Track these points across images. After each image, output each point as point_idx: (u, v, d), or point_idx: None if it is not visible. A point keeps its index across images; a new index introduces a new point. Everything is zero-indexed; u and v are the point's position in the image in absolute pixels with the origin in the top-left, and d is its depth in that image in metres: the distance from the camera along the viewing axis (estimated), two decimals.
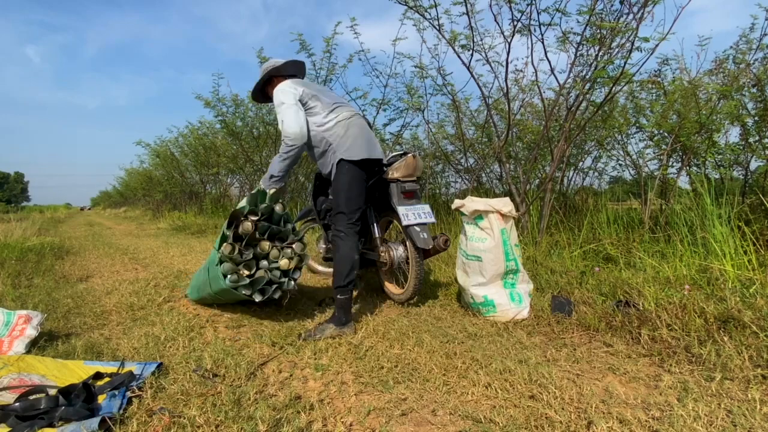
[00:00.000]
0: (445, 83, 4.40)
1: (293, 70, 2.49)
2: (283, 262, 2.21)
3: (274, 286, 2.17)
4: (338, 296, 2.09)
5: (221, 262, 2.10)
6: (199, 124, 9.21)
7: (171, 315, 2.40)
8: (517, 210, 3.67)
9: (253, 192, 2.24)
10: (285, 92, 2.23)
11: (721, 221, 2.64)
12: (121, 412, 1.31)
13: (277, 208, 2.26)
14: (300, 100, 2.23)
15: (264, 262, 2.21)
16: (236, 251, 2.12)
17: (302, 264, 2.30)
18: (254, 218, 2.17)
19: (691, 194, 3.45)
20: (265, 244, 2.19)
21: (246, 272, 2.13)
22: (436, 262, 3.47)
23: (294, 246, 2.27)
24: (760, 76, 3.40)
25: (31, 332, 1.84)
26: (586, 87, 3.39)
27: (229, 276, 2.07)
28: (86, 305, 2.65)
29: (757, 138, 3.64)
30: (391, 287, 2.70)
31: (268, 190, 2.25)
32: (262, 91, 2.56)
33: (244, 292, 2.08)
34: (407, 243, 2.45)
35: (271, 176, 2.25)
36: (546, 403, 1.35)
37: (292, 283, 2.25)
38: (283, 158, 2.21)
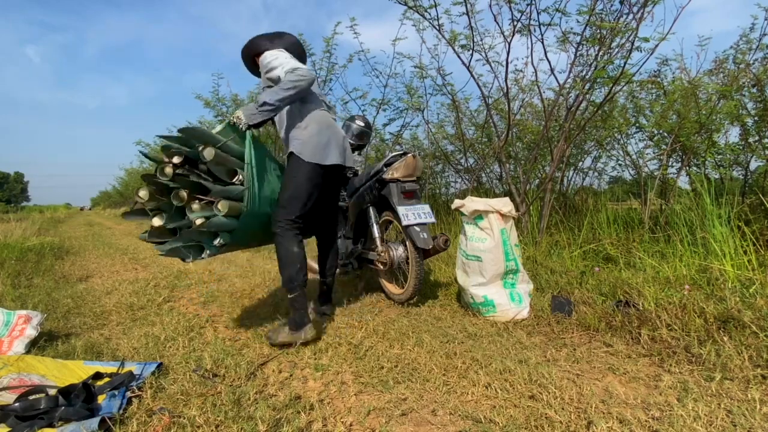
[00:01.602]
0: (444, 83, 4.41)
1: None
2: (194, 217, 1.80)
3: (184, 245, 1.83)
4: (288, 296, 1.96)
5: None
6: (199, 124, 9.22)
7: (171, 315, 2.41)
8: (517, 210, 3.67)
9: (194, 127, 1.83)
10: (278, 55, 2.01)
11: (721, 221, 2.64)
12: (121, 412, 1.31)
13: (206, 153, 1.78)
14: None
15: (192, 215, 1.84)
16: (149, 197, 1.85)
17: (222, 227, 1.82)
18: (178, 160, 1.81)
19: (691, 194, 3.45)
20: (184, 193, 1.82)
21: (158, 222, 1.87)
22: (436, 262, 3.47)
23: (219, 205, 1.81)
24: (760, 76, 3.40)
25: (30, 332, 1.84)
26: (586, 87, 3.39)
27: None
28: (86, 305, 2.66)
29: (757, 138, 3.64)
30: (391, 287, 2.70)
31: (236, 121, 1.81)
32: (252, 60, 2.24)
33: (158, 248, 1.86)
34: (407, 243, 2.45)
35: (264, 103, 1.81)
36: (546, 403, 1.35)
37: (207, 252, 1.87)
38: (288, 87, 1.82)
